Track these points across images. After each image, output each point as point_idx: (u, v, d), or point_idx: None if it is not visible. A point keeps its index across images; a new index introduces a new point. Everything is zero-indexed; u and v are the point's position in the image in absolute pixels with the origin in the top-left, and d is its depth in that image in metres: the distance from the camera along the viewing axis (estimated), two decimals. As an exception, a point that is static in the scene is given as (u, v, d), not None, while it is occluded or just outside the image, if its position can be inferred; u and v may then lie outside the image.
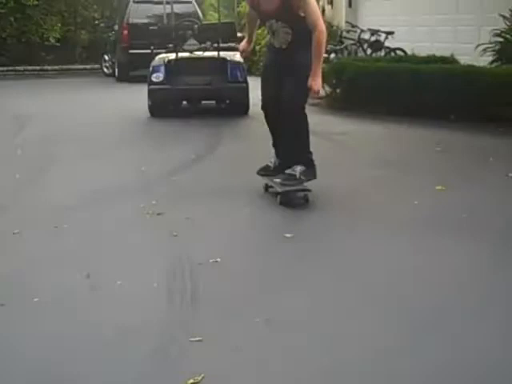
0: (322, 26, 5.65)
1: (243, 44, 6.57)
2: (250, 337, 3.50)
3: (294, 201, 5.84)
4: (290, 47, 5.82)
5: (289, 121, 5.84)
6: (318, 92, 5.73)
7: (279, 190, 5.89)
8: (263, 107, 6.15)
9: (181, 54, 11.32)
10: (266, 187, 6.23)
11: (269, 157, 6.29)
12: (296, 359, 3.26)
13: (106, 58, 19.50)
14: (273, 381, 3.05)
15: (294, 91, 5.74)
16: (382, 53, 14.22)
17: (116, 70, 18.30)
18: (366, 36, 14.70)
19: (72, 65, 21.47)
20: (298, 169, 5.88)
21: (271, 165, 6.25)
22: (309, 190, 5.89)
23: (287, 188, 5.85)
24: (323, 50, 5.74)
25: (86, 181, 6.91)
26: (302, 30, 5.64)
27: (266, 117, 6.16)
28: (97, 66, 20.33)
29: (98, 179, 6.97)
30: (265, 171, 6.30)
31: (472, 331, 3.52)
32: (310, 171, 5.97)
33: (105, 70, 19.55)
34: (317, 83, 5.69)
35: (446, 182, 6.41)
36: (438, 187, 6.26)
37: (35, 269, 4.51)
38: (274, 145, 6.21)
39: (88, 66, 21.32)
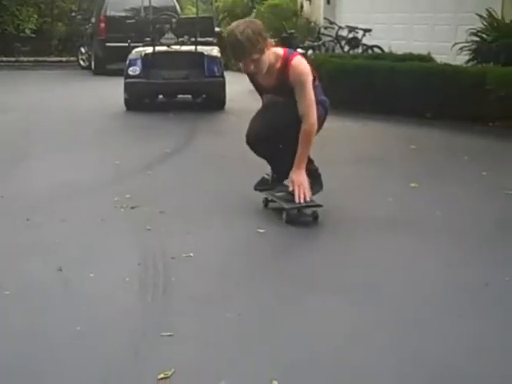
0: (314, 119, 5.07)
1: None
2: (221, 332, 3.49)
3: (301, 218, 5.22)
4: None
5: (286, 140, 5.20)
6: (299, 186, 5.06)
7: (285, 206, 5.21)
8: (248, 142, 5.43)
9: (158, 48, 11.29)
10: (266, 202, 5.56)
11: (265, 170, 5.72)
12: (268, 355, 3.25)
13: (83, 50, 19.41)
14: (244, 377, 3.04)
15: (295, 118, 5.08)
16: (360, 50, 14.27)
17: (92, 62, 18.21)
18: (344, 33, 14.74)
19: (48, 57, 21.35)
20: None
21: (268, 177, 5.60)
22: (319, 206, 5.22)
23: (295, 205, 5.18)
24: (310, 144, 5.14)
25: (60, 173, 6.86)
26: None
27: (253, 150, 5.48)
28: (73, 58, 20.23)
29: (73, 172, 6.92)
30: (263, 185, 5.60)
31: (453, 329, 3.54)
32: (316, 182, 5.42)
33: (81, 62, 19.46)
34: (298, 176, 5.08)
35: (420, 180, 6.43)
36: (412, 184, 6.29)
37: (7, 261, 4.46)
38: (269, 163, 5.57)
39: (64, 59, 21.22)
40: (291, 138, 5.11)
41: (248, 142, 5.43)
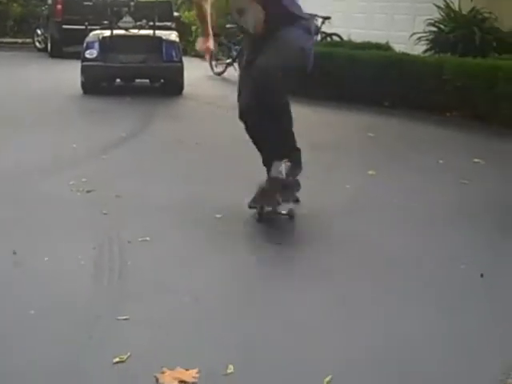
0: None
1: (200, 44, 5.08)
2: (177, 316, 3.47)
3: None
4: (267, 29, 4.63)
5: (268, 102, 4.61)
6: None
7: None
8: (241, 116, 4.87)
9: (116, 31, 11.19)
10: (260, 214, 4.93)
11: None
12: (225, 340, 3.24)
13: (39, 32, 19.14)
14: (200, 361, 3.02)
15: (270, 59, 4.47)
16: (319, 37, 14.27)
17: (49, 45, 17.96)
18: (303, 20, 14.73)
19: (3, 38, 20.99)
20: (283, 166, 4.79)
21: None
22: (297, 201, 4.88)
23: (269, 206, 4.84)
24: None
25: (16, 156, 6.76)
26: (278, 6, 4.57)
27: (246, 128, 4.91)
28: (29, 40, 19.93)
29: (28, 155, 6.83)
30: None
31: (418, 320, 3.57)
32: (296, 164, 4.95)
33: (37, 44, 19.20)
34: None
35: (378, 168, 6.45)
36: (370, 172, 6.31)
37: (-42, 244, 4.40)
38: (265, 161, 4.98)
39: (19, 40, 20.88)
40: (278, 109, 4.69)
41: (240, 117, 4.90)
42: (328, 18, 14.13)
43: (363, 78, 9.84)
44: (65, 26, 16.71)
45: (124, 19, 11.65)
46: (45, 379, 2.89)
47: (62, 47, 16.98)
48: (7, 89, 11.65)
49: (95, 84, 11.19)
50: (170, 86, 11.38)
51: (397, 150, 7.51)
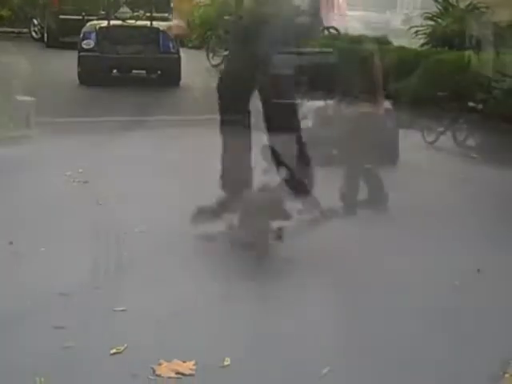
0: None
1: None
2: (175, 307, 3.47)
3: None
4: None
5: None
6: None
7: None
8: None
9: (113, 22, 11.18)
10: None
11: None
12: (222, 333, 3.25)
13: (35, 22, 19.08)
14: (197, 354, 3.02)
15: None
16: (316, 30, 14.25)
17: (45, 35, 17.91)
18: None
19: (-2, 27, 20.94)
20: None
21: None
22: None
23: None
24: None
25: (10, 147, 6.73)
26: None
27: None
28: (25, 29, 19.87)
29: (22, 146, 6.80)
30: None
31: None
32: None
33: (33, 34, 19.14)
34: None
35: (373, 162, 6.41)
36: (367, 166, 6.29)
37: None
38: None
39: (16, 30, 20.80)
40: None
41: None
42: (325, 10, 14.12)
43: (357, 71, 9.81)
44: (62, 16, 16.66)
45: (121, 10, 11.67)
46: (42, 370, 2.88)
47: (59, 37, 16.92)
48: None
49: (92, 74, 11.17)
50: (167, 77, 11.37)
51: (392, 145, 7.47)
